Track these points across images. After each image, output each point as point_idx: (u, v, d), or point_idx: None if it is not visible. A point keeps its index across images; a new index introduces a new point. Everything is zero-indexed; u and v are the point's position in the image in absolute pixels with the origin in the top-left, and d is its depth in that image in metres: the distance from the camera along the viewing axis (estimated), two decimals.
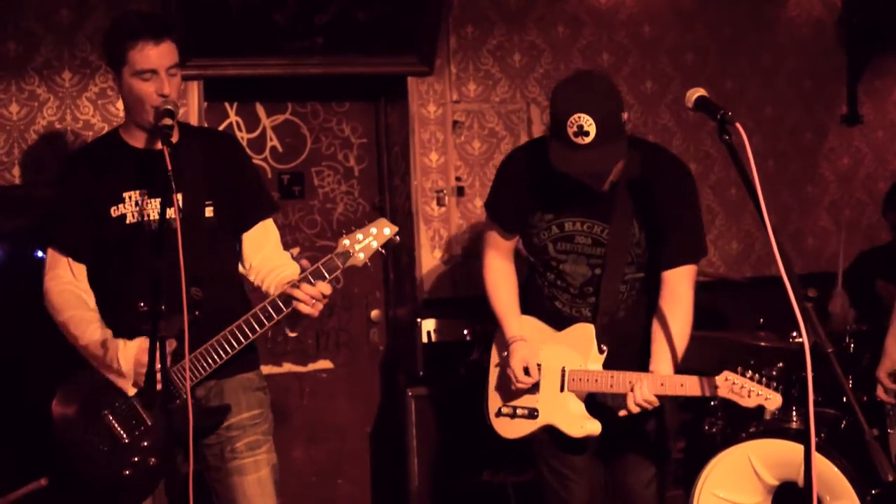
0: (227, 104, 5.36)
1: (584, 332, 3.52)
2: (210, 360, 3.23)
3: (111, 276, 3.35)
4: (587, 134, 3.20)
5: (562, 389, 3.52)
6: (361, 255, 3.16)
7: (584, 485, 3.67)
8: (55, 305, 3.35)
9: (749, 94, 6.07)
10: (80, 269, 3.36)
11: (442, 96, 5.39)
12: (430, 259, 5.37)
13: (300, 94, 5.45)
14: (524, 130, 5.48)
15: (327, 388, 5.56)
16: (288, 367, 5.47)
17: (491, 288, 3.73)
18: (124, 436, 3.25)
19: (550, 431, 3.58)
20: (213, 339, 3.22)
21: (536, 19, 5.56)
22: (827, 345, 2.52)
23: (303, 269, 3.19)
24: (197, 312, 3.13)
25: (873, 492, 4.02)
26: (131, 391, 3.24)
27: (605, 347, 3.48)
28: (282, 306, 3.19)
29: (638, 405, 3.30)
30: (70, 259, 3.35)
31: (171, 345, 3.03)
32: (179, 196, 3.18)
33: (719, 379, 3.20)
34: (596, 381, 3.44)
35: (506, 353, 3.63)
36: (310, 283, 3.15)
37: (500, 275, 3.73)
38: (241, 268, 3.54)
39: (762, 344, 4.68)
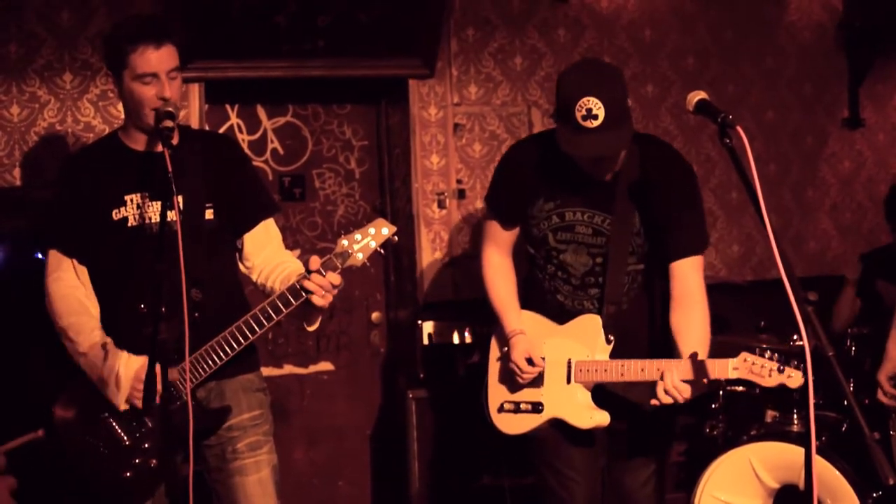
0: (228, 106, 5.36)
1: (591, 323, 3.51)
2: (216, 357, 3.23)
3: (112, 278, 3.35)
4: (596, 117, 3.22)
5: (568, 381, 3.51)
6: (360, 256, 3.17)
7: (584, 485, 3.66)
8: (57, 310, 3.35)
9: (750, 97, 6.07)
10: (84, 271, 3.36)
11: (443, 99, 5.40)
12: (430, 261, 5.37)
13: (301, 96, 5.45)
14: (525, 133, 5.47)
15: (328, 389, 5.56)
16: (289, 368, 5.47)
17: (489, 282, 3.73)
18: (125, 438, 3.25)
19: (556, 427, 3.57)
20: (218, 337, 3.22)
21: (538, 23, 5.56)
22: (828, 348, 2.52)
23: (307, 266, 3.19)
24: (196, 314, 3.14)
25: (874, 495, 4.02)
26: (123, 406, 3.24)
27: (612, 337, 3.47)
28: (291, 299, 3.19)
29: (668, 393, 3.26)
30: (74, 261, 3.35)
31: (172, 374, 3.05)
32: (180, 198, 3.19)
33: (737, 360, 3.16)
34: (605, 370, 3.42)
35: (506, 349, 3.63)
36: (321, 274, 3.15)
37: (499, 269, 3.74)
38: (242, 267, 3.55)
39: (763, 347, 4.68)
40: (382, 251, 3.21)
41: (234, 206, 3.44)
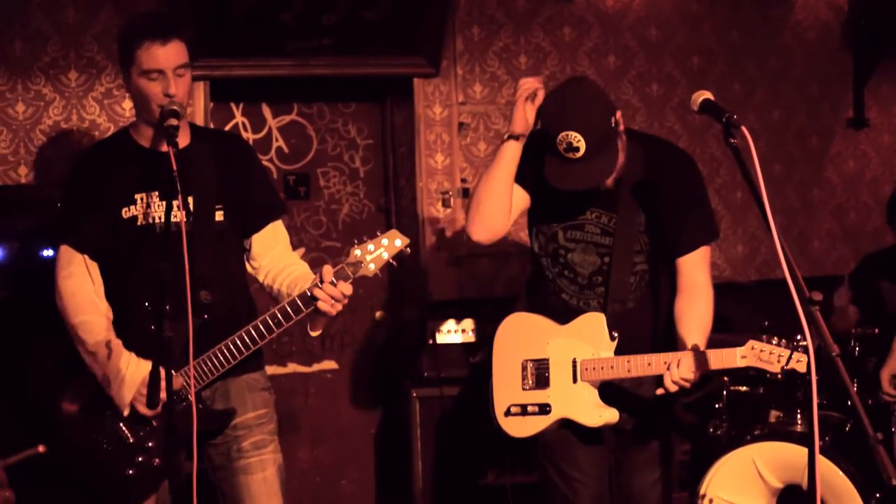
0: (233, 105, 5.37)
1: (594, 321, 3.50)
2: (223, 359, 3.23)
3: (120, 276, 3.35)
4: (577, 150, 3.27)
5: (574, 381, 3.51)
6: (372, 266, 3.17)
7: (590, 486, 3.65)
8: (68, 308, 3.34)
9: (755, 97, 6.07)
10: (95, 267, 3.36)
11: (448, 98, 5.40)
12: (434, 260, 5.37)
13: (306, 94, 5.46)
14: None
15: (332, 388, 5.56)
16: (293, 367, 5.48)
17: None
18: (129, 436, 3.25)
19: (563, 427, 3.57)
20: (227, 340, 3.22)
21: (543, 21, 5.56)
22: (832, 348, 2.52)
23: (320, 276, 3.18)
24: (206, 316, 3.14)
25: (878, 495, 4.02)
26: (126, 411, 3.24)
27: (616, 334, 3.48)
28: (301, 306, 3.19)
29: (676, 383, 3.27)
30: (86, 256, 3.35)
31: (177, 381, 3.06)
32: (190, 199, 3.19)
33: (745, 349, 3.18)
34: (611, 367, 3.42)
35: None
36: (332, 284, 3.15)
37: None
38: (249, 268, 3.55)
39: (770, 332, 4.67)
40: (395, 263, 3.21)
41: (244, 206, 3.43)
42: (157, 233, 3.27)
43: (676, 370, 3.25)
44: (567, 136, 3.25)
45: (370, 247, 3.17)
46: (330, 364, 5.55)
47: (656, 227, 3.53)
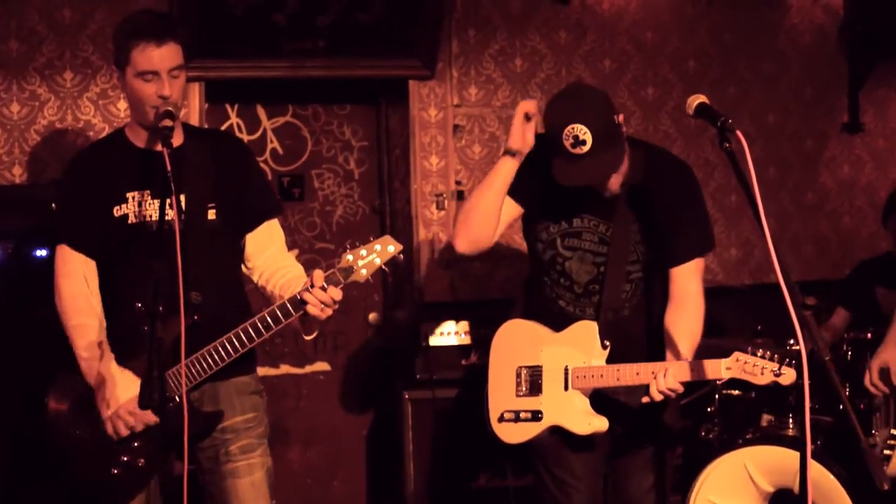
0: (227, 106, 5.37)
1: (587, 329, 3.51)
2: (212, 362, 3.22)
3: (112, 276, 3.35)
4: (584, 143, 3.26)
5: (566, 388, 3.51)
6: (364, 272, 3.17)
7: (583, 491, 3.66)
8: (66, 310, 3.35)
9: (750, 100, 6.07)
10: (92, 267, 3.36)
11: (443, 100, 5.40)
12: (428, 262, 5.37)
13: (301, 96, 5.45)
14: None
15: (324, 390, 5.56)
16: (285, 368, 5.47)
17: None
18: (114, 435, 3.25)
19: (555, 434, 3.57)
20: (216, 342, 3.21)
21: (539, 24, 5.56)
22: (824, 352, 2.52)
23: (311, 281, 3.17)
24: (196, 317, 3.13)
25: (868, 499, 4.02)
26: (110, 427, 3.24)
27: (608, 343, 3.48)
28: (291, 310, 3.18)
29: (661, 392, 3.29)
30: (83, 255, 3.35)
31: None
32: (182, 198, 3.19)
33: (730, 360, 3.20)
34: (601, 376, 3.43)
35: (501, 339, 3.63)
36: (323, 289, 3.15)
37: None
38: (244, 268, 3.54)
39: (757, 344, 4.67)
40: (387, 269, 3.21)
41: (238, 205, 3.43)
42: (149, 231, 3.27)
43: (663, 380, 3.27)
44: (574, 129, 3.26)
45: (362, 252, 3.16)
46: (322, 366, 5.55)
47: (652, 236, 3.53)
